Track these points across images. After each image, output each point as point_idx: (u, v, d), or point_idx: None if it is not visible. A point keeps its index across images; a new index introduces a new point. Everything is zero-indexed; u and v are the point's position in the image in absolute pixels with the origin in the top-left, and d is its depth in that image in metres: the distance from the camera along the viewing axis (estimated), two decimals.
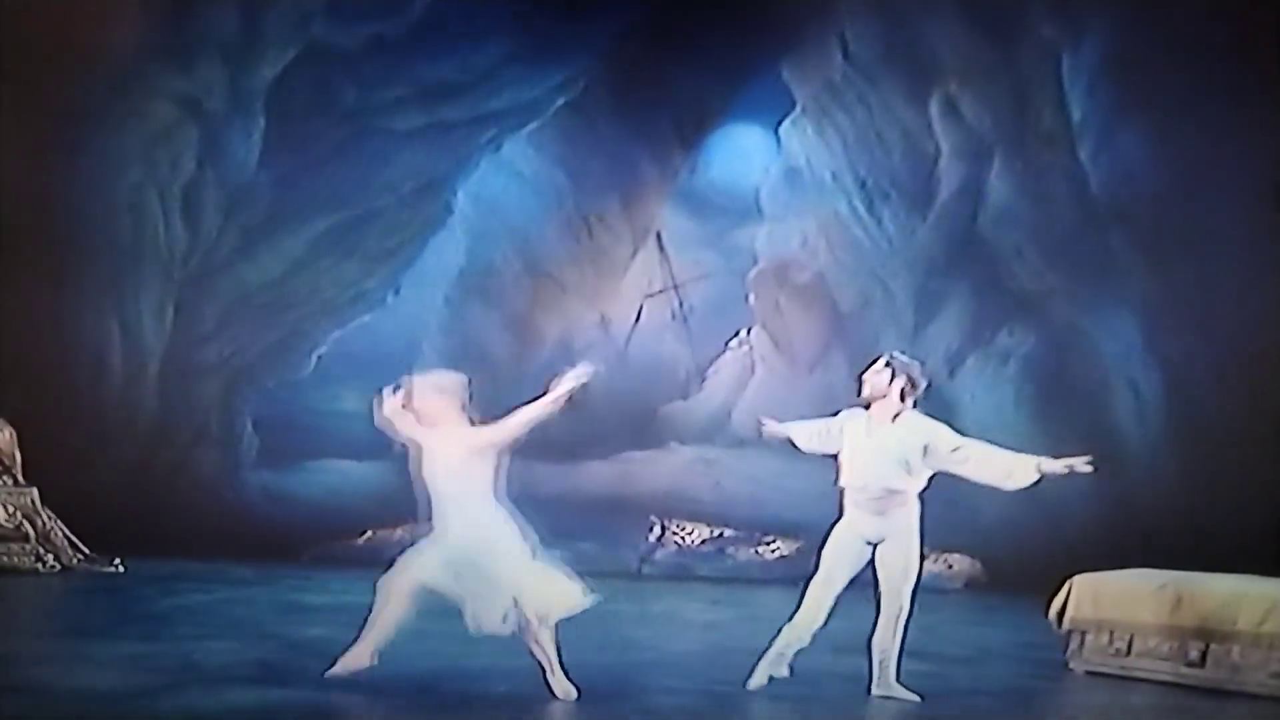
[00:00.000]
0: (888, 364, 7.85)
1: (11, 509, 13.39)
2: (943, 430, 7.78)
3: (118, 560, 13.66)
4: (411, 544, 7.75)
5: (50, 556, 13.46)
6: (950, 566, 15.07)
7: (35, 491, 13.56)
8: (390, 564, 13.71)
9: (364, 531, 15.71)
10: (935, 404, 14.93)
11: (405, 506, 15.62)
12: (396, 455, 15.90)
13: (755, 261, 15.71)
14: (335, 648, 9.20)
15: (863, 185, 15.34)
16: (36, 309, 14.92)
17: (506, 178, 15.96)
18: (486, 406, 15.62)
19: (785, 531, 15.44)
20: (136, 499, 14.80)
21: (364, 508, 15.62)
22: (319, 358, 15.96)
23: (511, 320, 16.09)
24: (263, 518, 15.44)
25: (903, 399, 7.79)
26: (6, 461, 13.60)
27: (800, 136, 15.48)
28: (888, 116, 15.25)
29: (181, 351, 15.90)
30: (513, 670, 8.35)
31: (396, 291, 15.95)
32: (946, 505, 14.73)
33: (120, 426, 15.62)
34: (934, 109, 15.05)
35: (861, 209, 15.35)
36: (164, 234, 15.69)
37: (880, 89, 15.22)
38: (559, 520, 15.53)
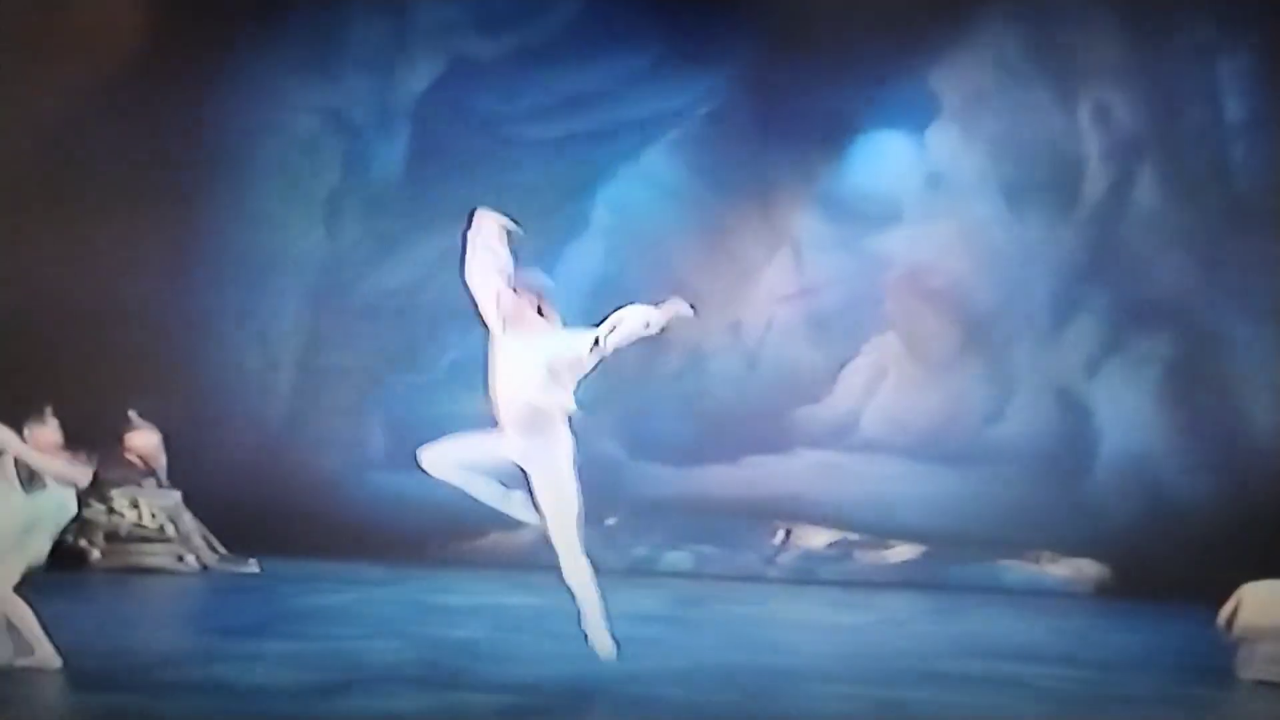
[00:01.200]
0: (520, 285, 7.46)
1: (155, 510, 13.71)
2: (581, 331, 7.41)
3: (253, 560, 13.92)
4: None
5: (191, 556, 13.76)
6: (1078, 571, 14.89)
7: (179, 494, 13.88)
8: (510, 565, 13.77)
9: (486, 533, 15.86)
10: (1072, 408, 15.01)
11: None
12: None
13: (892, 266, 15.59)
14: (487, 648, 9.38)
15: (1007, 189, 15.19)
16: (178, 314, 15.33)
17: (645, 186, 15.98)
18: (613, 411, 15.79)
19: (909, 536, 15.36)
20: (266, 500, 15.07)
21: (487, 509, 15.70)
22: (449, 361, 16.14)
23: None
24: (388, 518, 15.62)
25: (541, 314, 7.45)
26: (152, 464, 13.92)
27: (945, 141, 15.36)
28: (1036, 120, 15.07)
29: (315, 355, 16.23)
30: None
31: None
32: (1073, 510, 14.74)
33: (253, 429, 15.95)
34: (1084, 112, 14.91)
35: (1004, 213, 15.19)
36: (303, 243, 16.10)
37: (1030, 93, 15.06)
38: (683, 523, 15.74)
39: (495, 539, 15.79)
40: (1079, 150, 15.04)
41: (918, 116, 15.43)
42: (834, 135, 15.57)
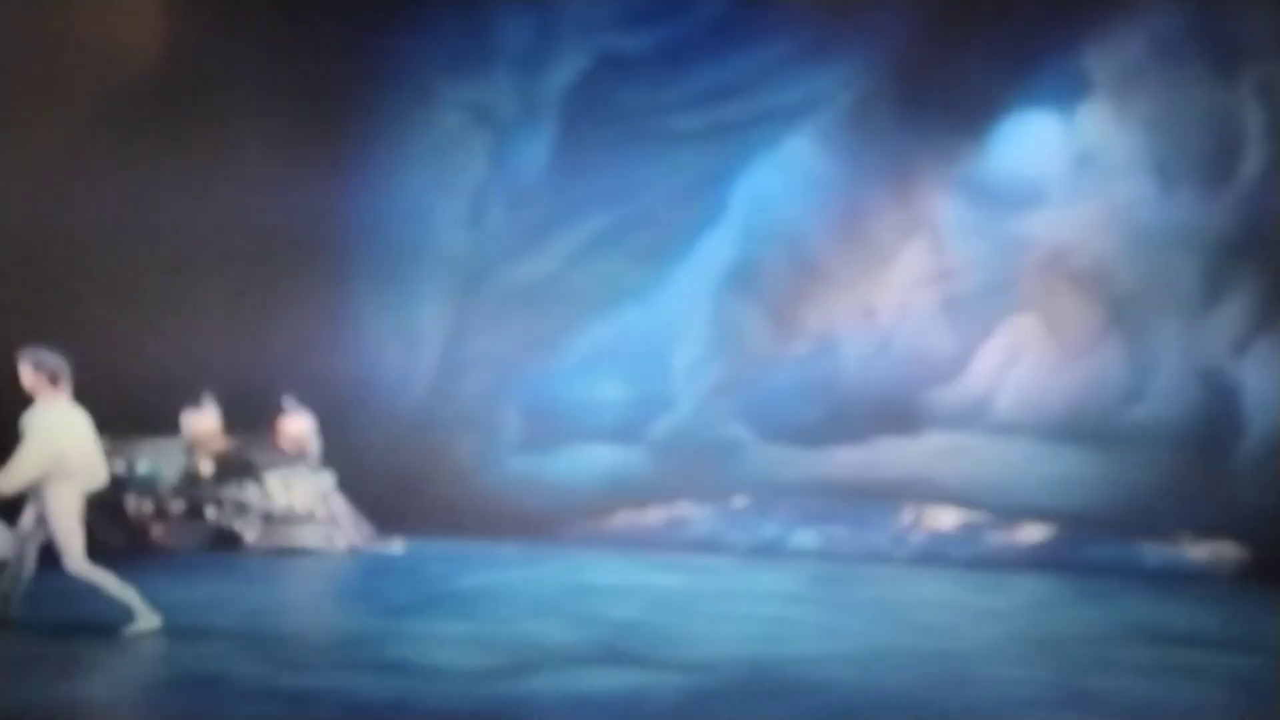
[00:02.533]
0: (32, 362, 8.21)
1: (307, 493, 13.96)
2: (31, 428, 8.11)
3: (397, 540, 14.14)
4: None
5: (340, 537, 14.00)
6: (1217, 553, 14.70)
7: (331, 476, 14.12)
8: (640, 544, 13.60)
9: (615, 512, 16.01)
10: (1216, 388, 14.81)
11: (656, 488, 16.09)
12: (650, 439, 16.28)
13: (1034, 248, 15.47)
14: (658, 629, 9.43)
15: (1159, 168, 15.00)
16: (330, 305, 15.70)
17: (783, 173, 16.01)
18: (740, 393, 15.84)
19: (1042, 518, 15.26)
20: (407, 482, 15.34)
21: (616, 489, 15.94)
22: (585, 349, 16.36)
23: (773, 312, 16.15)
24: (519, 500, 15.85)
25: (55, 385, 8.21)
26: (305, 447, 14.17)
27: (1095, 120, 15.19)
28: (1192, 97, 14.86)
29: (457, 343, 16.54)
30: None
31: (662, 287, 16.23)
32: (1214, 491, 14.55)
33: (392, 414, 16.25)
34: (1245, 87, 14.67)
35: (1153, 192, 15.02)
36: (447, 235, 16.44)
37: (1187, 68, 14.85)
38: (810, 504, 15.76)
39: (623, 518, 15.97)
40: (1238, 127, 14.77)
41: (1068, 95, 15.21)
42: (978, 116, 15.39)
